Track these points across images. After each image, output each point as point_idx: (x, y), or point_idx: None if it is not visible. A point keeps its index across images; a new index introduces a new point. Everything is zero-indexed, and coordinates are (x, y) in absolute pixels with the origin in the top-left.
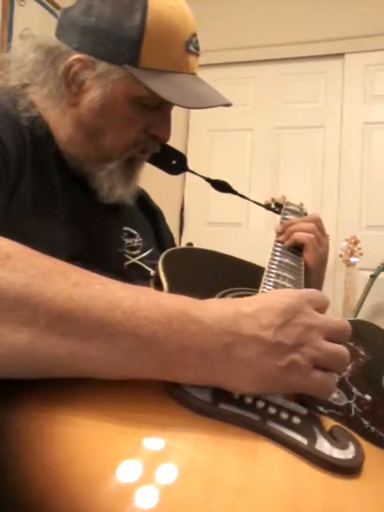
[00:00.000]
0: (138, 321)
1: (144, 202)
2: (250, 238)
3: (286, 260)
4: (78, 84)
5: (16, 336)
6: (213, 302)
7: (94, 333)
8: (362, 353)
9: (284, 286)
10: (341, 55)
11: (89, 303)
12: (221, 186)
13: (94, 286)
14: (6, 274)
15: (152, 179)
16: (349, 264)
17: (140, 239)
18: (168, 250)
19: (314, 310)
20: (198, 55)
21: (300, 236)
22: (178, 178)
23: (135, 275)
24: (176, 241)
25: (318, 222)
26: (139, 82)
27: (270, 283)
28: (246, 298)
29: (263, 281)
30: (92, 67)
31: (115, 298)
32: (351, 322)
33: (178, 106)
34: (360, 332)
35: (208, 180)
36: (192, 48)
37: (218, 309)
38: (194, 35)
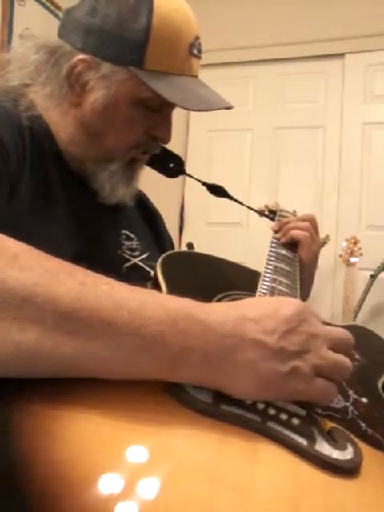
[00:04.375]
0: (143, 321)
1: (143, 204)
2: (249, 238)
3: (282, 265)
4: (81, 84)
5: (23, 334)
6: (216, 305)
7: (99, 332)
8: (358, 357)
9: (280, 291)
10: (341, 55)
11: (95, 303)
12: (217, 191)
13: (101, 286)
14: (15, 273)
15: (152, 179)
16: (349, 264)
17: (137, 242)
18: (166, 253)
19: (317, 321)
20: (200, 58)
21: (296, 233)
22: (178, 177)
23: (135, 276)
24: (176, 241)
25: (312, 221)
26: (144, 83)
27: (267, 288)
28: (248, 302)
29: (260, 285)
30: (96, 68)
31: (121, 298)
32: (346, 327)
33: (182, 108)
34: (355, 336)
35: (204, 184)
36: (195, 51)
37: (222, 312)
38: (197, 38)
